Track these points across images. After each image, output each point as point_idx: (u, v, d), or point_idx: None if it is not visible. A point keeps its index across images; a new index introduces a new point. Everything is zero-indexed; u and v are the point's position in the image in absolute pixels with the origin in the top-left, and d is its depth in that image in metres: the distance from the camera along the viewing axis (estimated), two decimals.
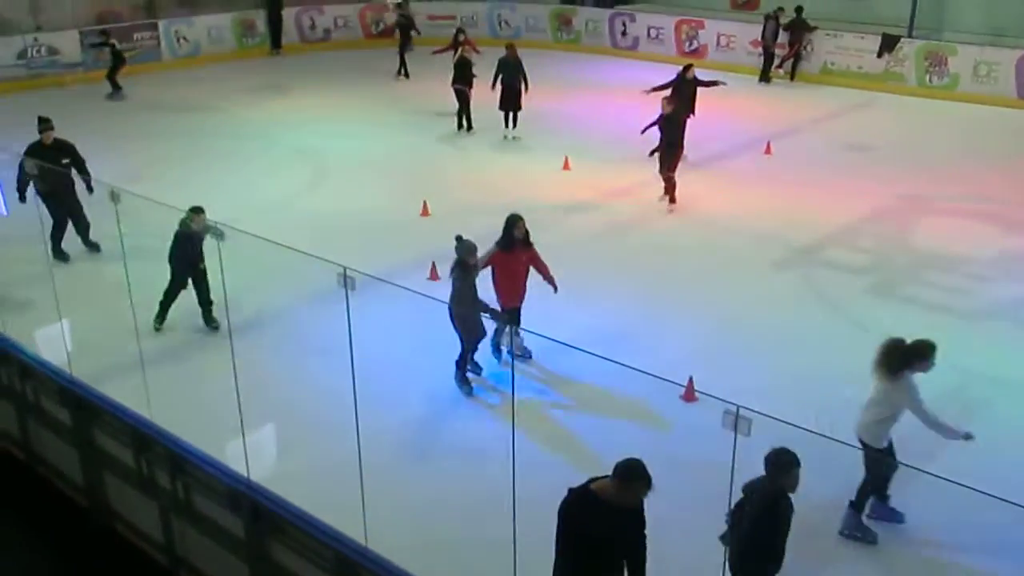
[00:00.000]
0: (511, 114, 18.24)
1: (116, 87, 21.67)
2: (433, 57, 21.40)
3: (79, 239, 12.78)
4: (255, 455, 7.96)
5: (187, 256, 10.43)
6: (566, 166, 16.58)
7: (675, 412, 8.98)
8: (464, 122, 18.81)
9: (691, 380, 9.08)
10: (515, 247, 9.84)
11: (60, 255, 12.52)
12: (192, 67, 24.56)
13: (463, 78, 18.49)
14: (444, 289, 11.57)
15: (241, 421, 7.62)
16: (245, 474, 7.64)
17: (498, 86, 18.11)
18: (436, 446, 8.75)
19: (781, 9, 23.47)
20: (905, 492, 7.82)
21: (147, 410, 8.52)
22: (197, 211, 10.14)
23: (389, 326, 10.30)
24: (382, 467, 7.86)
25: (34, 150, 12.06)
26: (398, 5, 25.97)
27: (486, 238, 13.48)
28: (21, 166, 11.63)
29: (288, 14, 26.32)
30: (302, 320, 10.84)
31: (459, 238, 9.35)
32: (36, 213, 11.15)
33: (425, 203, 14.46)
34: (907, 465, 7.42)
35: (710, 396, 5.27)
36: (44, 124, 12.35)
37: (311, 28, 27.16)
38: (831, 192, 15.49)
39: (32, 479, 10.25)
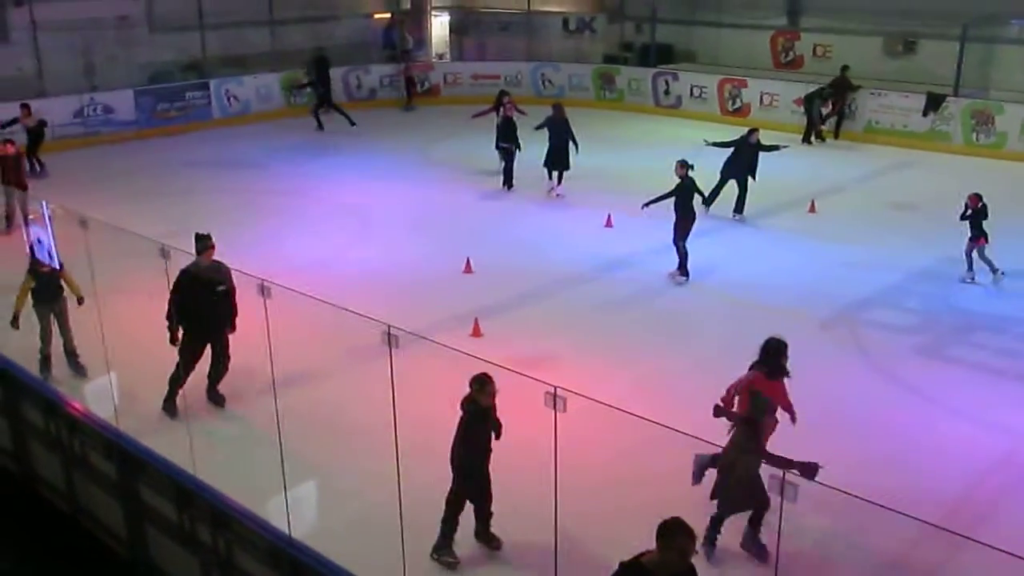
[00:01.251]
0: (557, 172, 18.41)
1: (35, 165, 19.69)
2: (473, 117, 21.60)
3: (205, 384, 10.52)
4: (297, 512, 7.96)
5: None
6: (609, 223, 16.63)
7: None
8: (508, 180, 19.00)
9: None
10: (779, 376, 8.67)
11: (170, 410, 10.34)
12: (241, 125, 25.13)
13: (508, 138, 18.75)
14: (487, 345, 11.67)
15: (284, 477, 7.65)
16: (286, 531, 7.64)
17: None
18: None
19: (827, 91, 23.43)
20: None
21: (191, 465, 8.57)
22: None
23: (431, 383, 10.29)
24: (423, 525, 7.82)
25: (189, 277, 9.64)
26: (405, 53, 26.63)
27: (527, 296, 13.64)
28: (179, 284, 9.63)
29: (335, 74, 26.89)
30: (345, 377, 10.90)
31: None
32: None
33: (468, 260, 14.56)
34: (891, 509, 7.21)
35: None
36: (203, 242, 9.89)
37: (357, 87, 27.70)
38: (877, 250, 15.34)
39: (76, 530, 10.35)
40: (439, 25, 31.46)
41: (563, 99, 23.19)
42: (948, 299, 13.57)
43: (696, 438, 6.22)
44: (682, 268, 14.10)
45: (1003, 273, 13.86)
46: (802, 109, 23.54)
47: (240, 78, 25.80)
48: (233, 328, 10.15)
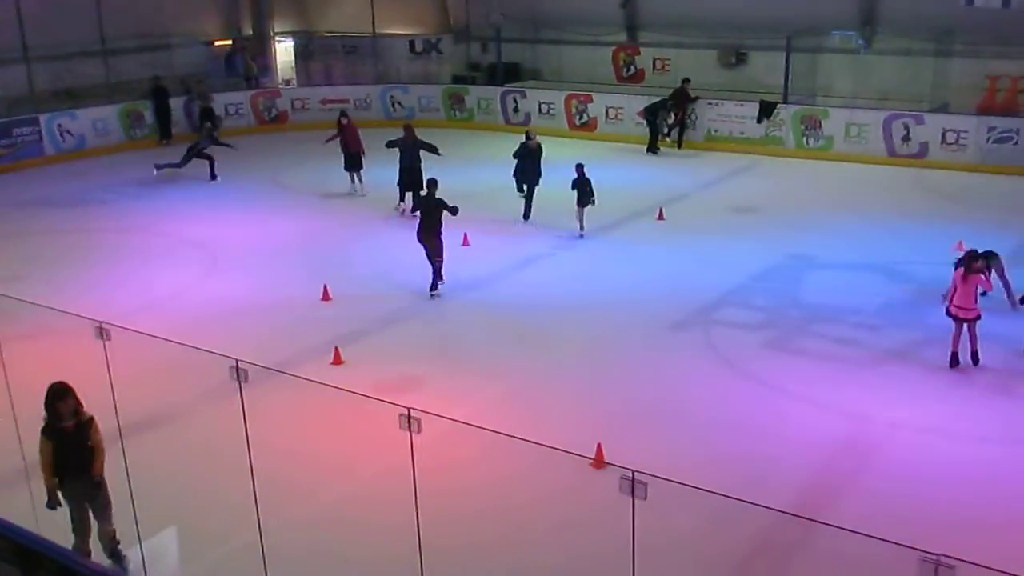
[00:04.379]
0: (411, 193, 18.37)
1: None
2: (321, 141, 21.35)
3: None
4: (155, 564, 7.63)
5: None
6: (465, 242, 16.70)
7: (586, 479, 8.94)
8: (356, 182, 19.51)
9: (600, 446, 9.17)
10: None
11: None
12: (76, 160, 24.01)
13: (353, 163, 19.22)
14: (348, 372, 11.50)
15: (137, 529, 7.31)
16: None
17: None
18: (344, 544, 8.50)
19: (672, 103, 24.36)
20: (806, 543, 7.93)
21: (34, 523, 8.09)
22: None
23: (288, 416, 10.07)
24: (290, 558, 7.62)
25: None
26: (198, 81, 26.30)
27: (388, 320, 13.55)
28: None
29: (176, 104, 26.09)
30: (196, 417, 10.49)
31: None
32: None
33: (325, 287, 14.34)
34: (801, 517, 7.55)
35: (617, 463, 5.28)
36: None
37: (200, 117, 26.91)
38: (723, 253, 15.96)
39: None
40: (283, 51, 30.99)
41: (414, 120, 23.25)
42: (791, 294, 14.22)
43: (561, 450, 6.31)
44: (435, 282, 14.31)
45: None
46: (645, 121, 24.29)
47: (73, 112, 24.67)
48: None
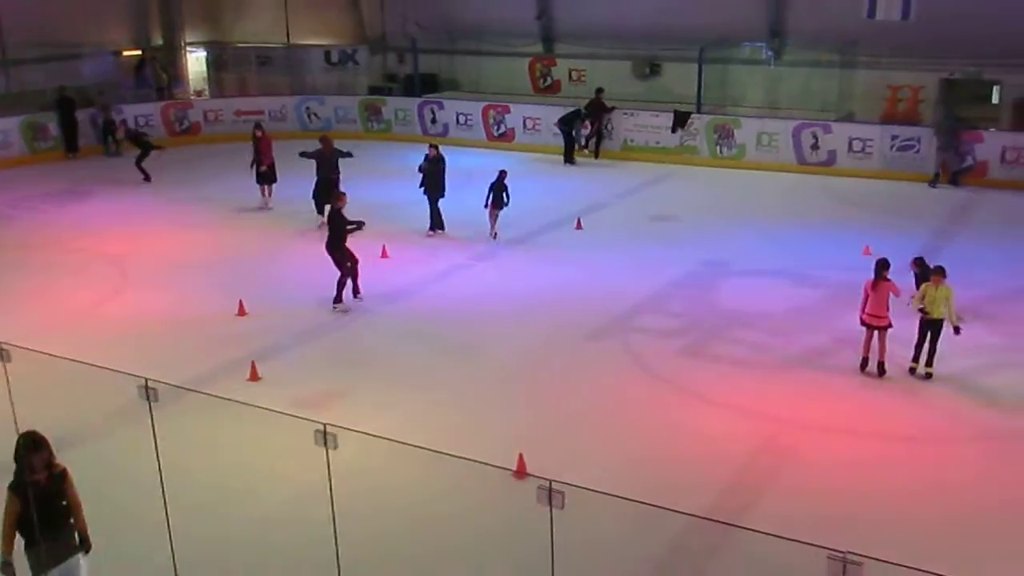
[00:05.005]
0: (328, 206, 18.16)
1: None
2: (235, 153, 21.04)
3: None
4: None
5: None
6: (384, 254, 16.60)
7: (508, 490, 8.92)
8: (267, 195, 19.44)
9: (521, 457, 9.19)
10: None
11: None
12: None
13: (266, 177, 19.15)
14: (265, 388, 11.31)
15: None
16: None
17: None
18: (260, 563, 8.32)
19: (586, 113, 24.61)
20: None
21: None
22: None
23: (204, 436, 9.85)
24: None
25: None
26: (99, 93, 25.88)
27: (306, 334, 13.36)
28: None
29: (83, 115, 25.35)
30: (104, 441, 10.13)
31: None
32: None
33: (241, 302, 14.08)
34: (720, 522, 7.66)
35: (540, 473, 5.29)
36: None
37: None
38: (641, 261, 16.17)
39: None
40: (195, 61, 30.42)
41: (330, 132, 23.04)
42: (708, 301, 14.47)
43: (481, 463, 6.30)
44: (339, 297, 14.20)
45: None
46: (560, 132, 24.50)
47: None
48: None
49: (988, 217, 18.70)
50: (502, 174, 17.32)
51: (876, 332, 11.49)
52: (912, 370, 11.54)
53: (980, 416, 10.69)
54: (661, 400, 11.23)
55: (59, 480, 6.71)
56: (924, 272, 12.18)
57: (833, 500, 8.97)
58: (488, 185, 17.29)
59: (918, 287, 12.01)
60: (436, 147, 18.19)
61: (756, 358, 12.34)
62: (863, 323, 11.58)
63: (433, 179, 17.72)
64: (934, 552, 7.96)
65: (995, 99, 22.65)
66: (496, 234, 17.43)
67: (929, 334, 11.36)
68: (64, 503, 6.74)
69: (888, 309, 11.43)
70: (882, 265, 11.53)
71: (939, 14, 20.67)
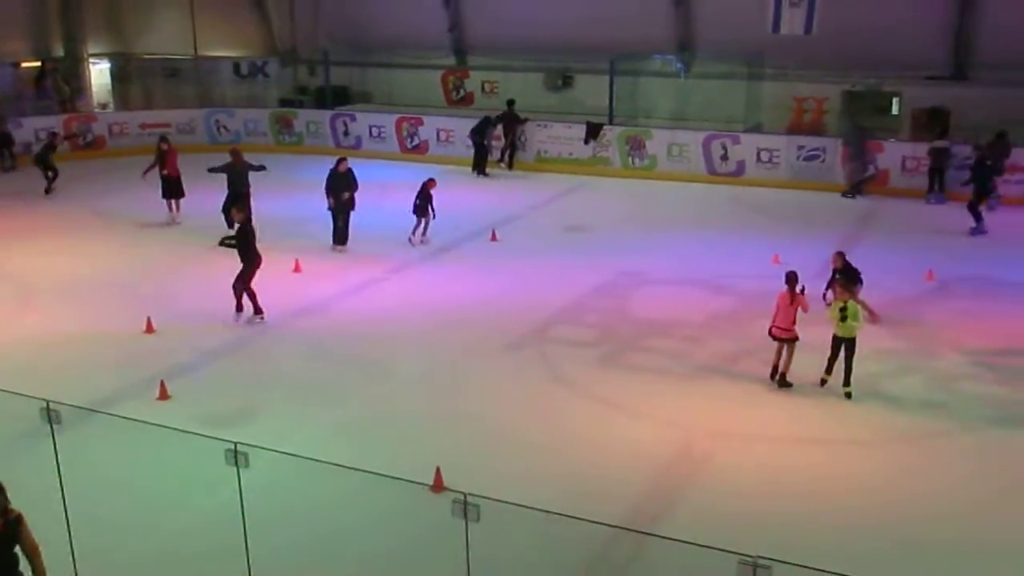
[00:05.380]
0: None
1: None
2: (142, 171, 20.37)
3: None
4: None
5: None
6: (296, 269, 16.35)
7: (425, 505, 8.83)
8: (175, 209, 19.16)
9: (438, 470, 9.13)
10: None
11: None
12: None
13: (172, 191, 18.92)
14: (175, 407, 10.99)
15: None
16: None
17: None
18: None
19: (499, 118, 24.70)
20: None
21: None
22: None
23: (111, 458, 9.52)
24: None
25: None
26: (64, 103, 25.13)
27: (218, 350, 13.04)
28: None
29: None
30: (3, 466, 9.72)
31: None
32: None
33: (149, 319, 13.69)
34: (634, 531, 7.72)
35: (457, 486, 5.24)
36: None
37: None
38: (556, 272, 16.26)
39: None
40: (98, 73, 29.55)
41: (240, 145, 22.65)
42: (623, 311, 14.62)
43: (397, 478, 6.22)
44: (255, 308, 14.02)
45: None
46: (473, 143, 24.54)
47: None
48: None
49: (890, 225, 19.35)
50: (429, 183, 17.58)
51: (784, 344, 11.67)
52: (823, 382, 11.61)
53: (887, 419, 11.01)
54: (578, 410, 11.28)
55: (14, 525, 6.37)
56: (846, 269, 12.54)
57: (746, 505, 9.11)
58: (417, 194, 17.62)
59: (831, 284, 12.36)
60: (343, 159, 18.01)
61: (671, 366, 12.51)
62: (772, 335, 11.78)
63: (342, 192, 17.43)
64: (843, 554, 8.16)
65: (895, 110, 23.50)
66: (412, 239, 17.61)
67: (844, 351, 11.32)
68: (16, 551, 6.40)
69: (795, 322, 11.56)
70: (791, 279, 11.57)
71: (840, 28, 21.36)
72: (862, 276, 13.05)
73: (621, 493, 9.28)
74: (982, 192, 18.70)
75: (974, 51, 22.50)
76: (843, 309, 11.23)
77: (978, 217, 18.44)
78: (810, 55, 22.61)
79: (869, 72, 22.97)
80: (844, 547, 8.34)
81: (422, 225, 17.70)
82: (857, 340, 11.34)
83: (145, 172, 19.61)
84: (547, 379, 12.13)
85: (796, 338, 11.60)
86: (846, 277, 12.31)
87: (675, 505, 9.23)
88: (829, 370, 11.59)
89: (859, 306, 11.54)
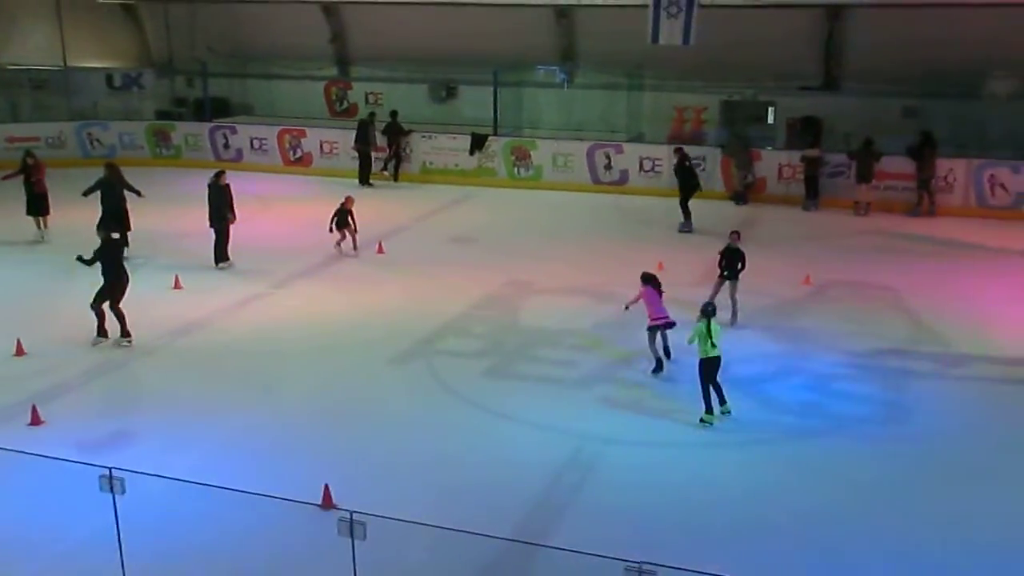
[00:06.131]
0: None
1: None
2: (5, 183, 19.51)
3: None
4: None
5: None
6: (176, 285, 15.85)
7: (313, 523, 8.63)
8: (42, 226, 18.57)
9: (327, 487, 8.99)
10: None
11: None
12: None
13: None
14: (49, 432, 10.48)
15: None
16: None
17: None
18: None
19: (373, 114, 24.83)
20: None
21: None
22: None
23: None
24: None
25: None
26: None
27: (94, 371, 12.51)
28: None
29: None
30: None
31: None
32: None
33: (19, 341, 13.04)
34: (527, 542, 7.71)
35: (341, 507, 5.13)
36: None
37: None
38: (443, 284, 16.20)
39: None
40: None
41: (116, 159, 21.87)
42: (510, 321, 14.67)
43: (283, 499, 6.07)
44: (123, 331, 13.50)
45: None
46: (357, 153, 24.30)
47: None
48: None
49: (768, 231, 19.95)
50: (346, 201, 17.90)
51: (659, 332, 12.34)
52: (706, 421, 11.04)
53: (768, 421, 11.32)
54: (468, 422, 11.25)
55: None
56: (734, 253, 13.59)
57: (632, 511, 9.21)
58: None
59: (722, 261, 13.31)
60: (222, 173, 17.52)
61: (559, 375, 12.60)
62: (655, 327, 12.29)
63: (221, 206, 16.93)
64: (729, 556, 8.34)
65: (771, 119, 24.29)
66: (339, 245, 17.91)
67: (714, 373, 11.06)
68: None
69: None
70: (645, 278, 12.65)
71: (717, 40, 21.95)
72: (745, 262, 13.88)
73: (511, 504, 9.28)
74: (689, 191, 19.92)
75: (844, 62, 23.48)
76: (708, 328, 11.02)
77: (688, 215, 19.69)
78: (689, 66, 23.19)
79: (745, 82, 23.71)
80: (727, 551, 8.50)
81: (348, 238, 17.82)
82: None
83: (5, 177, 18.90)
84: (436, 391, 12.07)
85: (673, 323, 12.22)
86: (732, 256, 12.84)
87: (565, 513, 9.28)
88: (709, 408, 11.07)
89: (718, 327, 11.26)
